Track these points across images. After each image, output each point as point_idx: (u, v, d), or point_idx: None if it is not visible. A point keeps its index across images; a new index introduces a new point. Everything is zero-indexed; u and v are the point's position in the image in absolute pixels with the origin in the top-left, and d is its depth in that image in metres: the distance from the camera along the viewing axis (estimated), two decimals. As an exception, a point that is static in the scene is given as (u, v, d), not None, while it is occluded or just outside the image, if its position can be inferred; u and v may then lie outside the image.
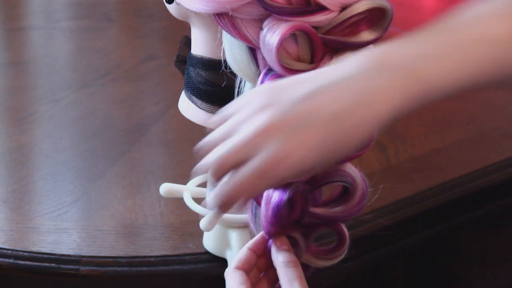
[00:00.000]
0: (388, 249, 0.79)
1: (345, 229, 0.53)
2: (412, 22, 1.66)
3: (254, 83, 0.48)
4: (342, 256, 0.53)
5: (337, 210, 0.51)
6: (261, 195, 0.51)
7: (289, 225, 0.51)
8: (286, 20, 0.46)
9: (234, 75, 0.50)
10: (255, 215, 0.53)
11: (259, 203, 0.51)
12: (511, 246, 0.97)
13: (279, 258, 0.49)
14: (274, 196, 0.50)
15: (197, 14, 0.52)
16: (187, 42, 0.60)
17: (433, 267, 0.92)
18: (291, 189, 0.49)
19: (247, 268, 0.50)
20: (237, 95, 0.50)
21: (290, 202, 0.50)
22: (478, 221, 0.91)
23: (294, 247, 0.52)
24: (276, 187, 0.49)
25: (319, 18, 0.46)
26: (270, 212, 0.50)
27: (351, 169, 0.51)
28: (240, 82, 0.50)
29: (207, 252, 0.71)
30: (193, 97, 0.58)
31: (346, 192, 0.51)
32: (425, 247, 0.90)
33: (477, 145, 0.98)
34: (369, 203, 0.53)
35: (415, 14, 1.71)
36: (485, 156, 0.94)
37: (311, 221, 0.52)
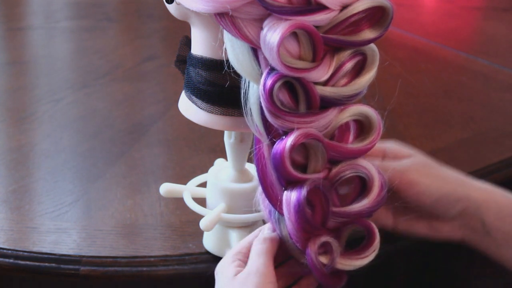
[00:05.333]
0: (388, 249, 0.79)
1: (372, 224, 0.53)
2: (412, 22, 1.67)
3: (257, 83, 0.48)
4: (376, 252, 0.53)
5: (360, 205, 0.51)
6: (281, 204, 0.51)
7: (316, 227, 0.51)
8: (287, 19, 0.46)
9: (238, 75, 0.50)
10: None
11: (281, 212, 0.51)
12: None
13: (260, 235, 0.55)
14: (292, 196, 0.50)
15: (197, 14, 0.52)
16: (187, 42, 0.60)
17: (433, 267, 0.92)
18: (307, 185, 0.49)
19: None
20: (243, 96, 0.50)
21: (309, 202, 0.50)
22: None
23: (329, 254, 0.52)
24: (292, 187, 0.50)
25: (319, 17, 0.46)
26: (292, 212, 0.50)
27: (364, 162, 0.51)
28: (245, 82, 0.50)
29: (207, 252, 0.71)
30: (193, 97, 0.58)
31: (364, 185, 0.51)
32: (425, 247, 0.90)
33: (477, 145, 0.98)
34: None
35: (415, 14, 1.71)
36: (485, 156, 0.94)
37: (337, 221, 0.52)
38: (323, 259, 0.52)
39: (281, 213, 0.52)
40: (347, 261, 0.53)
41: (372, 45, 0.50)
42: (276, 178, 0.51)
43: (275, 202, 0.52)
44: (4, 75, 1.25)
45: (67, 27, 1.57)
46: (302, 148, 0.49)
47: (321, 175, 0.50)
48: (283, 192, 0.51)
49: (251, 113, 0.50)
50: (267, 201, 0.53)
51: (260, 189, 0.53)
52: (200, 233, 0.72)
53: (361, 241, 0.54)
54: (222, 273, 0.54)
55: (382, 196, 0.52)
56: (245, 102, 0.51)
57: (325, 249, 0.52)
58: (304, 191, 0.49)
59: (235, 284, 0.52)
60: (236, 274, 0.53)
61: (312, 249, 0.51)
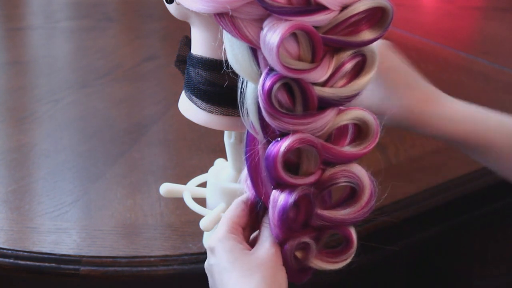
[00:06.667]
0: (388, 249, 0.79)
1: (353, 233, 0.53)
2: (412, 22, 1.67)
3: (256, 83, 0.48)
4: (348, 260, 0.53)
5: (345, 212, 0.51)
6: (268, 197, 0.51)
7: (297, 228, 0.51)
8: (286, 20, 0.45)
9: (236, 75, 0.50)
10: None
11: (266, 205, 0.51)
12: (511, 246, 0.97)
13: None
14: (280, 199, 0.50)
15: (197, 14, 0.52)
16: (187, 42, 0.60)
17: (433, 267, 0.92)
18: (297, 192, 0.49)
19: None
20: (240, 96, 0.50)
21: (295, 203, 0.50)
22: (478, 221, 0.91)
23: (305, 252, 0.52)
24: (282, 189, 0.50)
25: (319, 17, 0.46)
26: (276, 215, 0.50)
27: (357, 169, 0.51)
28: (242, 82, 0.50)
29: (207, 252, 0.71)
30: (193, 97, 0.58)
31: (354, 193, 0.51)
32: (425, 247, 0.90)
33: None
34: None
35: (415, 14, 1.71)
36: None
37: (320, 223, 0.52)
38: (298, 254, 0.52)
39: (266, 206, 0.52)
40: (318, 262, 0.53)
41: (372, 46, 0.50)
42: (267, 177, 0.51)
43: (261, 195, 0.52)
44: (4, 75, 1.25)
45: (67, 27, 1.57)
46: (296, 149, 0.49)
47: (312, 178, 0.50)
48: (272, 190, 0.51)
49: (247, 113, 0.50)
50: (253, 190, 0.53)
51: (245, 174, 0.53)
52: (200, 233, 0.72)
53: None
54: (227, 248, 0.52)
55: (370, 207, 0.51)
56: (242, 102, 0.51)
57: (303, 246, 0.52)
58: (291, 199, 0.49)
59: (252, 259, 0.51)
60: (240, 251, 0.52)
61: (290, 246, 0.51)
